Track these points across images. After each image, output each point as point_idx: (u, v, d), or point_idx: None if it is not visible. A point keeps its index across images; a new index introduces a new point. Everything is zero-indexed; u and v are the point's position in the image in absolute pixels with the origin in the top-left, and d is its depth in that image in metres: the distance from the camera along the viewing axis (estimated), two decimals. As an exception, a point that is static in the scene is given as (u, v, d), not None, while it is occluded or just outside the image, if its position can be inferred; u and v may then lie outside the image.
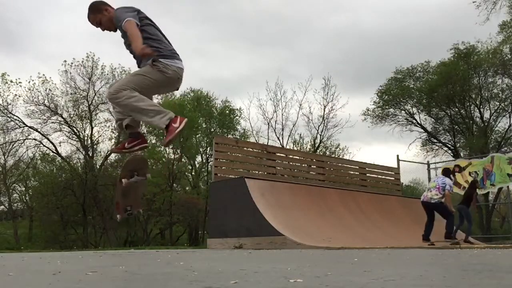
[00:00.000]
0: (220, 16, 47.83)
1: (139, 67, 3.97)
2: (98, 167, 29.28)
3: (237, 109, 33.80)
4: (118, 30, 4.02)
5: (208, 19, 49.07)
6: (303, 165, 11.95)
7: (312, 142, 29.89)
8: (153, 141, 33.11)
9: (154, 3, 46.06)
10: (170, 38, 4.14)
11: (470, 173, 14.77)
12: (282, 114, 30.14)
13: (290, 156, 12.09)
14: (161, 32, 4.01)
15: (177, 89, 4.06)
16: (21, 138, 28.57)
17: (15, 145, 29.21)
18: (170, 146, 32.51)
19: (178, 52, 4.03)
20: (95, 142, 29.36)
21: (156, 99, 32.21)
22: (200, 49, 49.60)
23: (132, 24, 3.80)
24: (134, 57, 4.01)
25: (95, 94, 28.85)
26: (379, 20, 47.79)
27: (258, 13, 47.22)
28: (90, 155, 28.72)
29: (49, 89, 27.76)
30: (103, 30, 4.09)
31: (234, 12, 48.12)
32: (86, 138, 29.00)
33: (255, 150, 10.77)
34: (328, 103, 29.27)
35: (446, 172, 9.16)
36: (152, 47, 3.71)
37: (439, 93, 30.08)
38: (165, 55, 3.82)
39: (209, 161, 31.69)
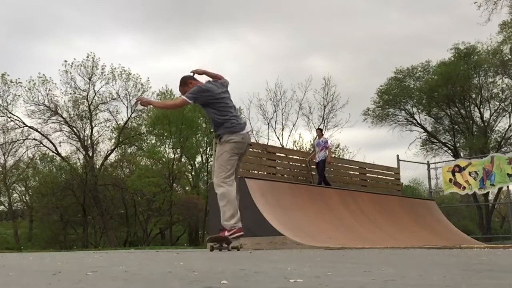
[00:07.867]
0: (219, 15, 47.85)
1: (217, 140, 5.37)
2: (98, 167, 29.28)
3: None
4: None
5: (208, 19, 49.10)
6: (303, 165, 11.94)
7: (312, 142, 29.89)
8: (153, 141, 33.16)
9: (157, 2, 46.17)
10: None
11: (470, 173, 14.78)
12: (282, 114, 30.17)
13: (290, 156, 12.09)
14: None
15: (250, 145, 5.43)
16: (21, 138, 28.60)
17: (15, 145, 29.24)
18: (171, 146, 32.59)
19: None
20: (95, 142, 29.39)
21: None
22: (200, 48, 49.60)
23: (179, 99, 5.18)
24: (214, 130, 5.36)
25: (95, 94, 28.91)
26: (380, 19, 47.81)
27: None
28: (90, 155, 28.72)
29: (49, 89, 27.80)
30: None
31: (234, 11, 48.16)
32: (86, 138, 29.02)
33: (255, 150, 10.76)
34: (328, 103, 29.31)
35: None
36: (223, 127, 5.20)
37: (439, 93, 30.07)
38: (229, 132, 5.14)
39: (209, 161, 31.69)
